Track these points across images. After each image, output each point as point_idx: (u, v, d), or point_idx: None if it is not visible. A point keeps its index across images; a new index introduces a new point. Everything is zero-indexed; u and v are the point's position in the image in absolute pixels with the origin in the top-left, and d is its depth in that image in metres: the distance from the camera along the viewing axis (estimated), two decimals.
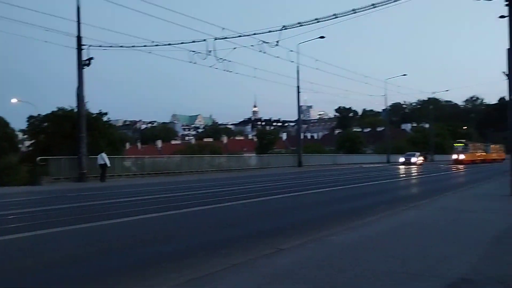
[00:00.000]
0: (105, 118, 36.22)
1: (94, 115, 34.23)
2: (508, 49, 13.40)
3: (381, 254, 5.83)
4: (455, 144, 63.38)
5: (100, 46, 26.26)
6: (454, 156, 60.50)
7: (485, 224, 8.26)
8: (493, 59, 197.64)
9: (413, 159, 54.18)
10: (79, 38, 25.71)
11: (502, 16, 14.84)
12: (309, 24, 24.07)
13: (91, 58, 25.88)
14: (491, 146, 72.87)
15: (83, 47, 25.79)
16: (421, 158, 57.06)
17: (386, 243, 6.54)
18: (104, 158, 26.30)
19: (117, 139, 39.42)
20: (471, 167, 46.35)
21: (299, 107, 45.97)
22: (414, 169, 41.80)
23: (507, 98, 13.91)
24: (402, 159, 55.66)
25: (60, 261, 6.24)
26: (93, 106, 38.48)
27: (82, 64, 25.78)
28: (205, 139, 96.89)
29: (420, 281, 4.56)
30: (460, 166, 49.11)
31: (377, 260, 5.47)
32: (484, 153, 67.02)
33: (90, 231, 8.66)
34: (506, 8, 13.39)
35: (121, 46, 27.37)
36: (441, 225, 8.22)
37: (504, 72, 13.61)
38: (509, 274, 4.81)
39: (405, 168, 42.55)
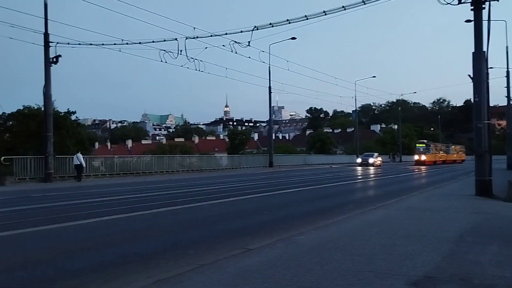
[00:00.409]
0: (73, 117, 35.47)
1: (62, 114, 33.46)
2: (473, 52, 13.77)
3: (348, 253, 5.90)
4: (417, 145, 61.54)
5: (68, 43, 25.76)
6: (416, 157, 58.60)
7: (449, 223, 8.46)
8: (460, 62, 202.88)
9: (370, 160, 50.25)
10: (46, 35, 25.13)
11: (468, 21, 15.26)
12: (280, 25, 24.19)
13: (59, 56, 25.34)
14: (452, 146, 71.31)
15: (50, 44, 25.23)
16: (379, 158, 53.57)
17: (353, 242, 6.62)
18: (79, 158, 26.09)
19: (85, 138, 38.69)
20: (433, 168, 45.74)
21: (271, 107, 46.11)
22: (377, 170, 40.44)
23: (472, 100, 14.29)
24: (359, 160, 51.93)
25: (23, 264, 6.07)
26: (60, 104, 37.77)
27: (49, 61, 25.20)
28: (176, 139, 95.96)
29: (385, 279, 4.63)
30: (422, 167, 47.74)
31: (344, 259, 5.53)
32: (445, 154, 65.46)
33: (55, 233, 8.46)
34: (472, 12, 13.76)
35: (90, 44, 26.90)
36: (407, 224, 8.38)
37: (469, 75, 13.99)
38: (471, 272, 4.94)
39: (367, 169, 41.34)
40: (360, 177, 29.36)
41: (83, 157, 26.59)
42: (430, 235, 7.19)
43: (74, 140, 33.47)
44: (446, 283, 4.55)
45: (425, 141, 62.96)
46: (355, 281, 4.60)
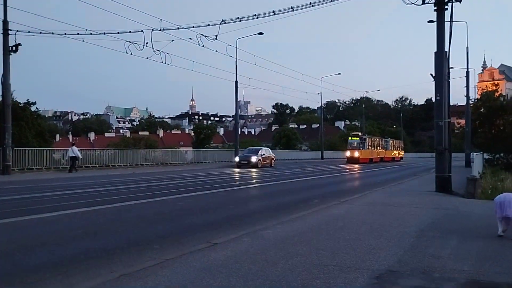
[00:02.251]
0: (33, 108, 34.47)
1: (21, 105, 32.43)
2: (436, 52, 14.13)
3: (313, 247, 5.96)
4: (349, 138, 50.67)
5: (28, 32, 24.88)
6: (348, 153, 47.93)
7: (411, 218, 8.67)
8: (423, 62, 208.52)
9: (253, 158, 33.59)
10: (5, 23, 24.20)
11: (430, 21, 15.65)
12: (248, 19, 24.13)
13: (19, 44, 24.45)
14: (390, 141, 61.73)
15: (10, 32, 24.30)
16: (272, 155, 37.52)
17: (318, 237, 6.69)
18: (75, 151, 26.98)
19: (46, 130, 37.57)
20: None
21: (237, 102, 45.97)
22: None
23: (433, 99, 14.66)
24: (237, 159, 34.88)
25: None
26: (20, 95, 36.59)
27: (8, 50, 24.29)
28: (141, 132, 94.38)
29: (349, 273, 4.71)
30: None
31: (309, 253, 5.59)
32: (383, 150, 56.06)
33: (14, 227, 8.17)
34: (435, 13, 14.11)
35: (52, 33, 26.08)
36: (370, 219, 8.54)
37: (431, 74, 14.34)
38: (432, 265, 5.07)
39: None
40: (325, 172, 29.56)
41: (78, 150, 27.56)
42: (393, 229, 7.35)
43: (34, 132, 32.52)
44: (408, 276, 4.66)
45: (359, 133, 52.87)
46: (320, 275, 4.65)
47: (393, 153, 60.16)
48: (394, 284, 4.40)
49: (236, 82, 42.40)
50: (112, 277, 4.63)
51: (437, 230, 7.40)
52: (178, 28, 25.69)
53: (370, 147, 50.17)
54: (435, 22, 14.23)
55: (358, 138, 48.39)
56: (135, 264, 5.28)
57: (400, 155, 64.09)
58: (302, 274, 4.66)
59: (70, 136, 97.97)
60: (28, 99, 33.92)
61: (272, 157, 37.78)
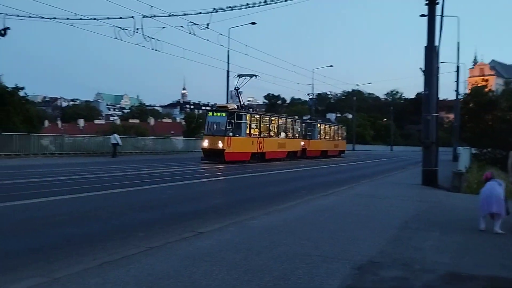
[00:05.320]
0: (21, 93, 34.06)
1: (9, 90, 32.04)
2: (426, 46, 14.16)
3: (297, 237, 5.99)
4: (209, 113, 27.54)
5: (17, 15, 24.50)
6: (205, 143, 25.37)
7: (395, 210, 8.75)
8: (414, 56, 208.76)
9: None
10: None
11: (422, 15, 15.66)
12: (240, 8, 23.90)
13: (7, 28, 24.03)
14: (321, 126, 39.34)
15: None
16: None
17: (302, 227, 6.73)
18: (116, 138, 29.69)
19: (34, 115, 37.19)
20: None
21: (228, 92, 45.79)
22: None
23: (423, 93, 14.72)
24: None
25: None
26: (8, 80, 36.20)
27: None
28: (131, 120, 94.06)
29: (331, 263, 4.74)
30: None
31: (293, 243, 5.62)
32: (300, 139, 33.95)
33: None
34: (426, 7, 14.13)
35: (42, 17, 25.67)
36: (356, 210, 8.60)
37: (421, 68, 14.39)
38: (413, 257, 5.13)
39: None
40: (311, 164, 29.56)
41: (119, 137, 30.45)
42: (377, 221, 7.41)
43: (21, 117, 32.19)
44: (388, 268, 4.71)
45: (228, 105, 27.43)
46: (302, 264, 4.68)
47: (324, 145, 38.31)
48: (375, 275, 4.45)
49: (228, 71, 42.02)
50: (94, 265, 4.61)
51: (421, 222, 7.48)
52: (169, 15, 25.41)
53: (256, 133, 27.56)
54: (426, 16, 14.25)
55: (224, 114, 25.46)
56: (118, 251, 5.26)
57: (338, 149, 42.55)
58: (285, 264, 4.69)
59: (60, 122, 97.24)
60: (16, 84, 33.52)
61: None
